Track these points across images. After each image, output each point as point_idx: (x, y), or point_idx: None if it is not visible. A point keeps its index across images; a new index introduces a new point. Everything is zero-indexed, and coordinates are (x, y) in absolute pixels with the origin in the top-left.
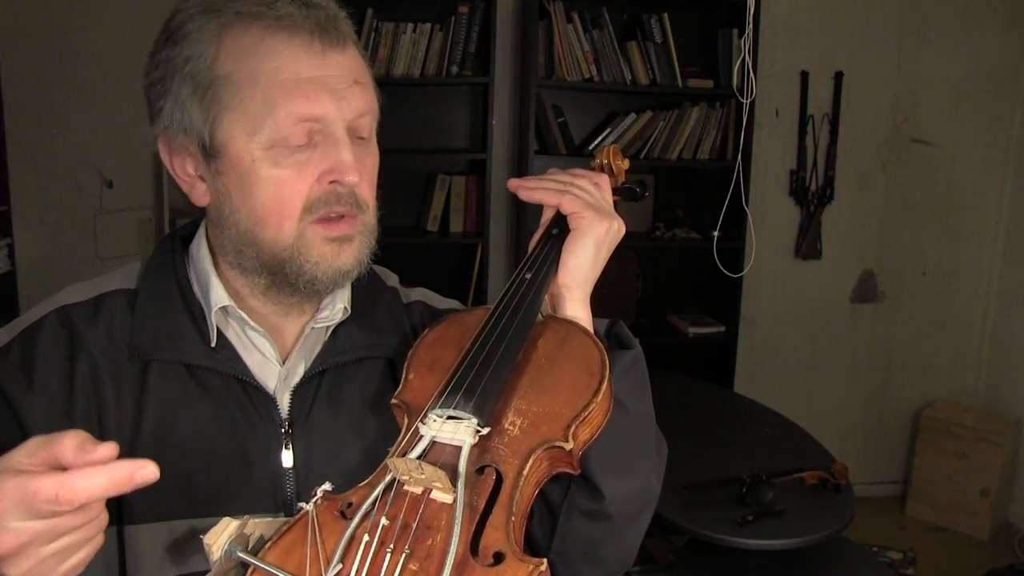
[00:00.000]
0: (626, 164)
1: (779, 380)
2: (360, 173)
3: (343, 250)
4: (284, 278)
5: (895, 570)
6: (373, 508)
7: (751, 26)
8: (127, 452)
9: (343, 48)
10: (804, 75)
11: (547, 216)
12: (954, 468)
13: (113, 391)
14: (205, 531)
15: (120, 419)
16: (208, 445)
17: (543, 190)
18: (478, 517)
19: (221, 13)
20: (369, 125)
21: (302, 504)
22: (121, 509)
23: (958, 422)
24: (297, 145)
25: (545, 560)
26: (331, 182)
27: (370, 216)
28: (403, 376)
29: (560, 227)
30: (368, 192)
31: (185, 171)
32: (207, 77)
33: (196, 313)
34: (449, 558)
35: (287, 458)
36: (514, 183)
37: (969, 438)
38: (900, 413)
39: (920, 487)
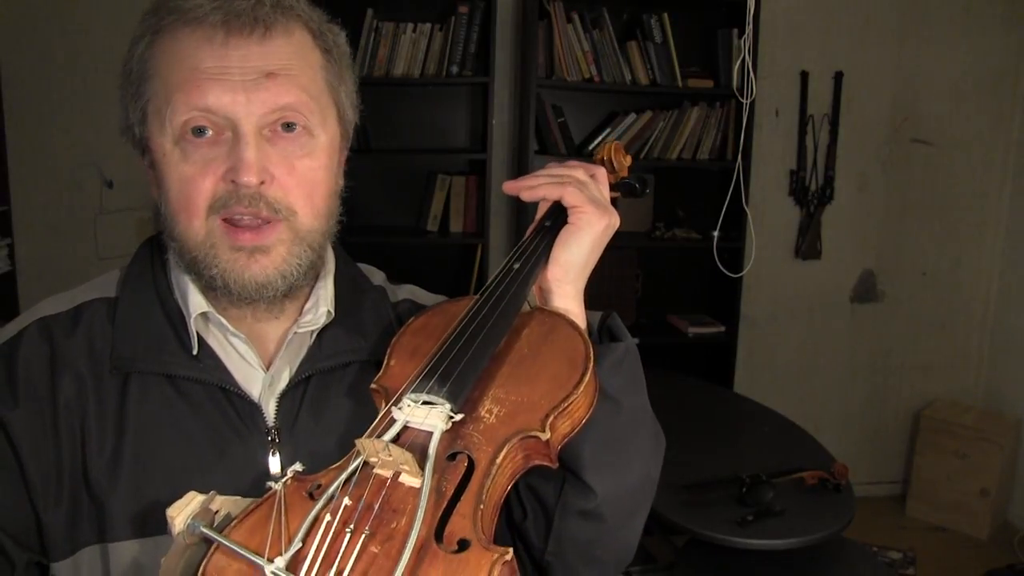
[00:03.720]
0: (628, 161)
1: (779, 380)
2: (271, 174)
3: (255, 261)
4: (205, 281)
5: (895, 570)
6: (339, 490)
7: (751, 26)
8: (110, 468)
9: (263, 38)
10: (804, 75)
11: (543, 208)
12: (954, 468)
13: (95, 405)
14: None
15: (102, 433)
16: (192, 457)
17: (544, 186)
18: (446, 503)
19: (156, 13)
20: (302, 120)
21: (271, 484)
22: (104, 526)
23: (958, 422)
24: (201, 140)
25: (511, 550)
26: (233, 180)
27: (303, 221)
28: (384, 362)
29: (553, 219)
30: (298, 196)
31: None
32: (136, 75)
33: (176, 321)
34: (410, 541)
35: (274, 466)
36: (510, 186)
37: (969, 438)
38: (900, 413)
39: (920, 487)
